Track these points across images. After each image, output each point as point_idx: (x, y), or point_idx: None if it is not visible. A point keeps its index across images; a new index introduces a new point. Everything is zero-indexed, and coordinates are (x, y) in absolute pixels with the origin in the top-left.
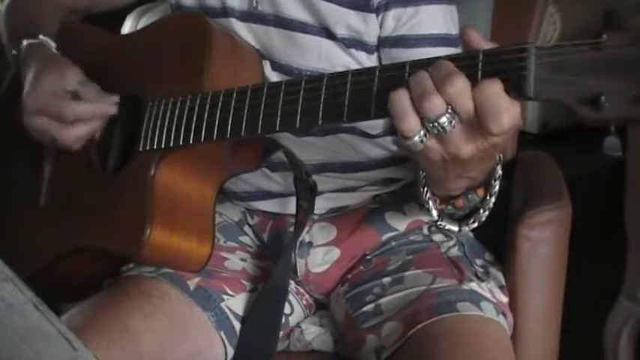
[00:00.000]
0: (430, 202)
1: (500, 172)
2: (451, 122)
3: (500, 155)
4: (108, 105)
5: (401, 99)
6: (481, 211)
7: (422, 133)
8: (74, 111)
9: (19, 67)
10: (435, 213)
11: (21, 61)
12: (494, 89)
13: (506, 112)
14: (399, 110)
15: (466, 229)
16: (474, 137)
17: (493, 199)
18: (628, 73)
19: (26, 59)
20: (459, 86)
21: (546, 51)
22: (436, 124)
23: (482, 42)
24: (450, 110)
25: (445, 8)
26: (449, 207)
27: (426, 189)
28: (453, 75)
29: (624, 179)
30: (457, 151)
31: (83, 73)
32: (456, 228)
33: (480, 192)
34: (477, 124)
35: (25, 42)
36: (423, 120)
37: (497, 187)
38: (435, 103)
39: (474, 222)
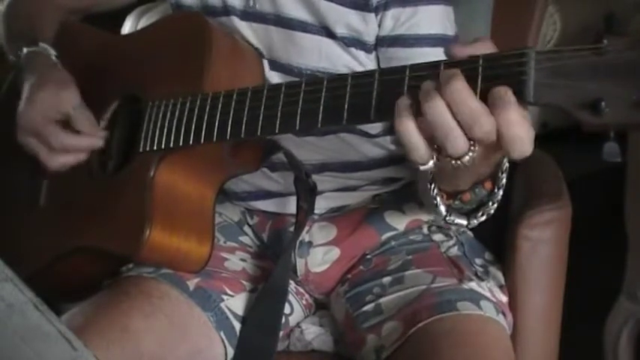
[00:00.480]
0: (438, 198)
1: (507, 164)
2: (472, 156)
3: None
4: (96, 139)
5: (410, 130)
6: (490, 203)
7: (434, 157)
8: (61, 141)
9: (19, 74)
10: (443, 208)
11: (20, 69)
12: (519, 122)
13: (529, 141)
14: (411, 142)
15: (475, 222)
16: (489, 156)
17: (501, 192)
18: (628, 78)
19: (25, 68)
20: (488, 127)
21: (546, 56)
22: (459, 162)
23: (466, 50)
24: (472, 147)
25: (443, 9)
26: (456, 202)
27: (433, 185)
28: (481, 117)
29: (624, 179)
30: (471, 165)
31: (80, 96)
32: (464, 222)
33: (488, 185)
34: (496, 147)
35: (25, 49)
36: (439, 150)
37: (504, 180)
38: (459, 142)
39: (482, 215)
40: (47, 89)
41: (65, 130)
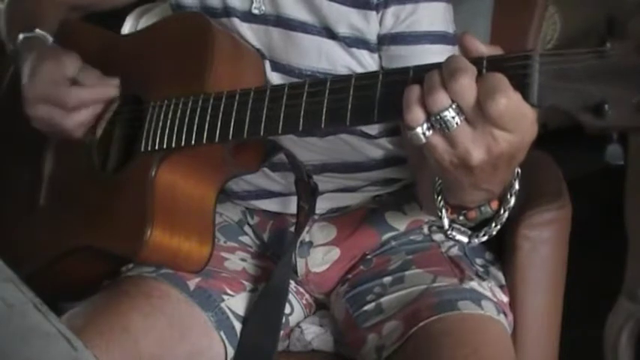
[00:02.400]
0: (443, 211)
1: (517, 187)
2: (454, 118)
3: (519, 170)
4: (109, 87)
5: (410, 91)
6: (493, 224)
7: (425, 126)
8: (76, 97)
9: (17, 61)
10: (446, 222)
11: (18, 55)
12: (495, 76)
13: (504, 95)
14: (406, 102)
15: (476, 241)
16: (482, 138)
17: (507, 215)
18: (631, 81)
19: (23, 52)
20: (464, 83)
21: (550, 58)
22: (439, 117)
23: (480, 46)
24: (454, 106)
25: (443, 6)
26: (460, 217)
27: (440, 197)
28: (457, 72)
29: (624, 179)
30: (466, 154)
31: (81, 59)
32: (465, 240)
33: (494, 205)
34: (480, 117)
35: (21, 36)
36: (429, 115)
37: (512, 203)
38: (439, 97)
39: (484, 235)
40: (49, 60)
41: (76, 87)
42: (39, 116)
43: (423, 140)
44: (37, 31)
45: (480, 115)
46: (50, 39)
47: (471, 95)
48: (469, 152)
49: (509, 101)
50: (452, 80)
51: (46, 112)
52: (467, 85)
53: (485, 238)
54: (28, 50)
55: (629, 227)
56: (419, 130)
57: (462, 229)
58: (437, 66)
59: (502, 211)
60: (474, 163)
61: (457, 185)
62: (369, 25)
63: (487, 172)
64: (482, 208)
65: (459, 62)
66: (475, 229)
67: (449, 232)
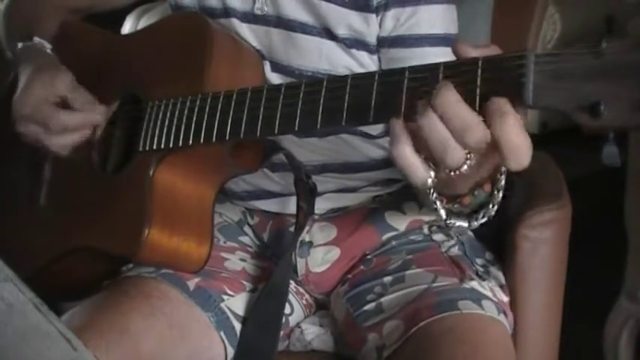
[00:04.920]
0: (437, 202)
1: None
2: (469, 164)
3: None
4: (94, 114)
5: (406, 156)
6: (490, 205)
7: (433, 174)
8: (61, 121)
9: (16, 68)
10: (443, 212)
11: (17, 64)
12: (515, 128)
13: (528, 151)
14: (408, 167)
15: (476, 223)
16: (486, 164)
17: (500, 194)
18: (627, 80)
19: (21, 62)
20: (479, 137)
21: (545, 58)
22: (457, 172)
23: (470, 50)
24: (469, 156)
25: (444, 8)
26: (455, 205)
27: (432, 190)
28: (471, 128)
29: (624, 179)
30: (462, 165)
31: (75, 78)
32: (465, 224)
33: (487, 187)
34: (491, 154)
35: (20, 44)
36: (439, 167)
37: (503, 181)
38: (456, 156)
39: (483, 217)
40: (42, 75)
41: (63, 110)
42: (25, 133)
43: (432, 184)
44: (35, 39)
45: (493, 154)
46: (48, 46)
47: (486, 146)
48: (464, 163)
49: (530, 154)
50: (467, 136)
51: (32, 131)
52: (483, 138)
53: (484, 220)
54: (26, 61)
55: (629, 227)
56: (430, 182)
57: (461, 214)
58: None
59: (496, 192)
60: (465, 168)
61: (448, 182)
62: (369, 27)
63: (477, 167)
64: (476, 193)
65: (470, 117)
66: (472, 214)
67: (448, 221)
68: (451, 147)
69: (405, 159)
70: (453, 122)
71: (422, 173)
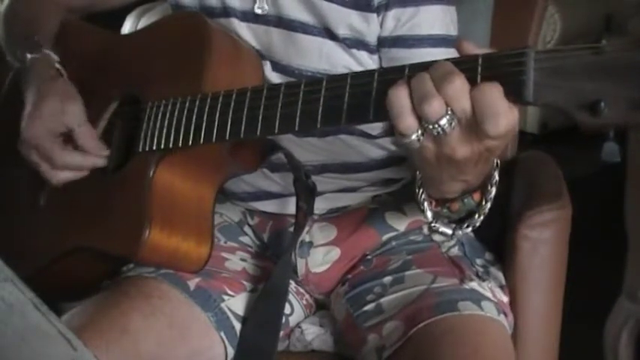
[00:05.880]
0: (425, 204)
1: (497, 177)
2: (451, 124)
3: (498, 161)
4: (98, 158)
5: (399, 98)
6: (476, 216)
7: (419, 132)
8: (64, 160)
9: (22, 80)
10: (429, 214)
11: (24, 76)
12: (493, 91)
13: (504, 116)
14: (397, 109)
15: (459, 233)
16: (470, 139)
17: (489, 205)
18: (627, 78)
19: (28, 75)
20: (458, 86)
21: (545, 55)
22: (436, 125)
23: (473, 49)
24: (449, 112)
25: (445, 9)
26: (444, 210)
27: (421, 190)
28: (451, 75)
29: (624, 179)
30: (452, 153)
31: (85, 112)
32: (449, 231)
33: (476, 196)
34: (474, 125)
35: (28, 56)
36: (422, 121)
37: (493, 193)
38: (435, 106)
39: (467, 226)
40: (52, 102)
41: (67, 148)
42: (27, 158)
43: (418, 145)
44: (44, 51)
45: (474, 124)
46: (56, 59)
47: (466, 101)
48: (455, 150)
49: (508, 122)
50: (445, 83)
51: (35, 160)
52: (460, 88)
53: (468, 230)
54: (34, 77)
55: (629, 227)
56: (414, 137)
57: (446, 221)
58: (432, 64)
59: (484, 202)
60: (457, 158)
61: (436, 176)
62: (370, 27)
63: (468, 166)
64: (465, 200)
65: (449, 66)
66: (460, 222)
67: (433, 225)
68: (430, 93)
69: (399, 99)
70: (437, 71)
71: (410, 122)
